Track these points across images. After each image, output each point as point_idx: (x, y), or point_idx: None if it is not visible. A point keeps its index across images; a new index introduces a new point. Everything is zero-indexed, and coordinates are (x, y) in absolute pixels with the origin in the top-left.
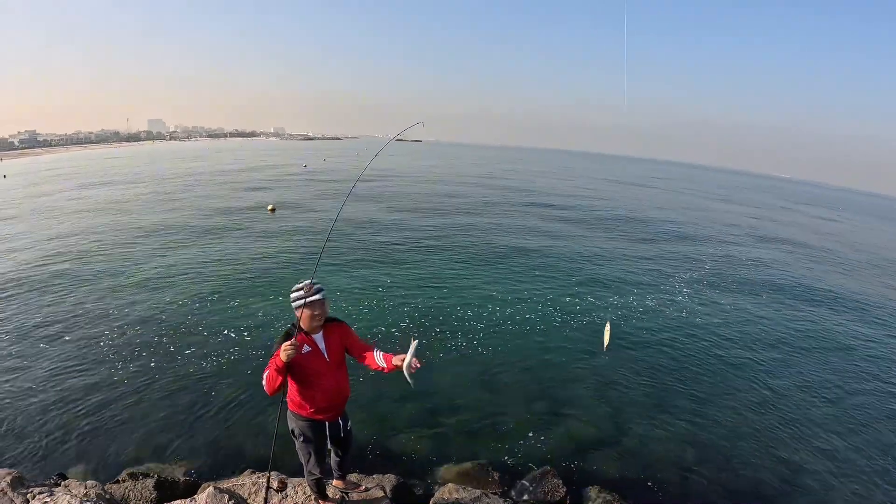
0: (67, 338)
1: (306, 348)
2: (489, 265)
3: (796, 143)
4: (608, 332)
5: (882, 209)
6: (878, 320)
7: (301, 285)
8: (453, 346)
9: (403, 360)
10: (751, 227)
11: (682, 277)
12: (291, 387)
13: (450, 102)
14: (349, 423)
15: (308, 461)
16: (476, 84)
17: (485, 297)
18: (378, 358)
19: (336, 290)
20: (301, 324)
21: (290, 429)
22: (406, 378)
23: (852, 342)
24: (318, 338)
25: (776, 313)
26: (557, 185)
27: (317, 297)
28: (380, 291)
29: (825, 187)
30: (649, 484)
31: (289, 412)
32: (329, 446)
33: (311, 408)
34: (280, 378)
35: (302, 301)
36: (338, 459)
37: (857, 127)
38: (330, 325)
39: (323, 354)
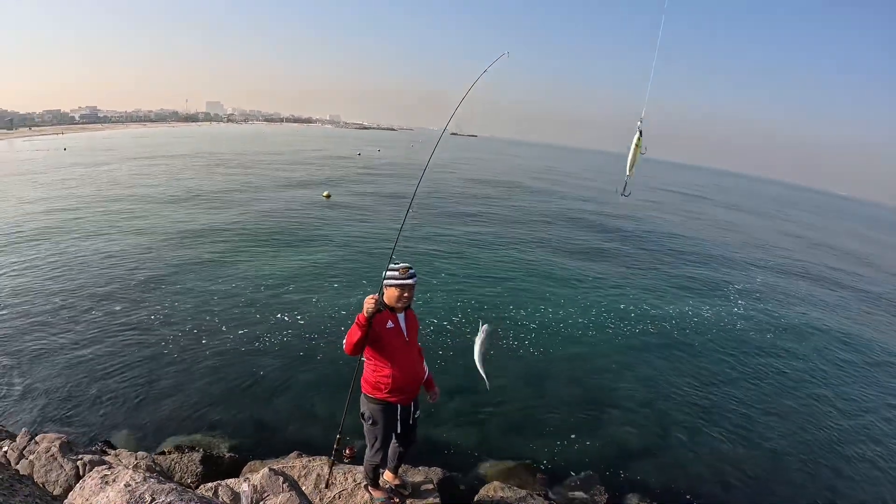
0: (118, 307)
1: (390, 324)
2: (544, 265)
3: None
4: (480, 340)
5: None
6: None
7: (399, 266)
8: (504, 343)
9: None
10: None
11: (737, 287)
12: (368, 367)
13: (507, 100)
14: (418, 412)
15: (373, 445)
16: (536, 82)
17: (539, 297)
18: (423, 365)
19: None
20: (386, 300)
21: (360, 412)
22: (480, 373)
23: None
24: (401, 317)
25: (845, 334)
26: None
27: (411, 280)
28: (435, 284)
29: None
30: (689, 497)
31: (362, 396)
32: (398, 431)
33: (386, 388)
34: (360, 334)
35: (398, 281)
36: (399, 449)
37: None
38: (409, 310)
39: (403, 333)
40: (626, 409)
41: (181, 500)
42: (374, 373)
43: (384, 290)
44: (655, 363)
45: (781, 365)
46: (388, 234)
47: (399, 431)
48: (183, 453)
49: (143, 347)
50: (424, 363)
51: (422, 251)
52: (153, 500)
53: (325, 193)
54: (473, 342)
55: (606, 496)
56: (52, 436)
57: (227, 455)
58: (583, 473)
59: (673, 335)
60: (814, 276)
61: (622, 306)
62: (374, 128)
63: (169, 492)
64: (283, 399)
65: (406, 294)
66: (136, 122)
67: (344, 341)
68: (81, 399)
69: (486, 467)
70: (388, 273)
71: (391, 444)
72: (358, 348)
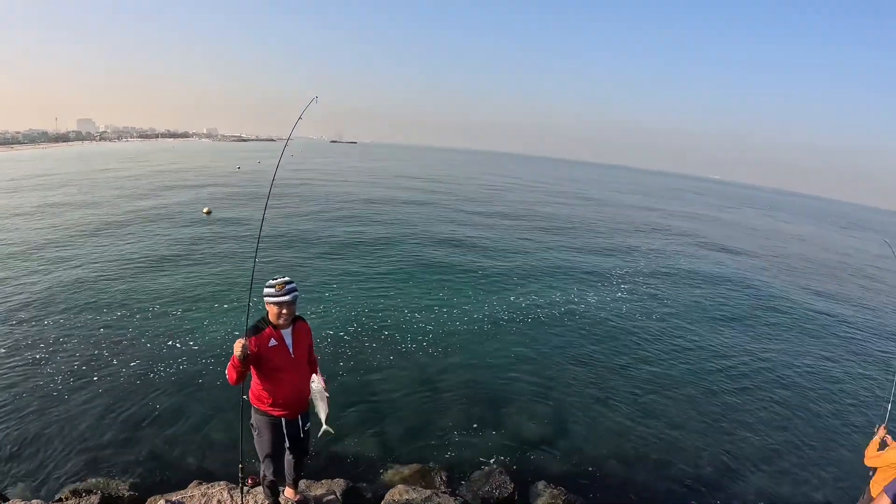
0: (2, 351)
1: (273, 342)
2: (434, 269)
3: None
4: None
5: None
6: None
7: (276, 282)
8: (397, 349)
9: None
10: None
11: (619, 273)
12: (254, 379)
13: (385, 104)
14: (308, 424)
15: (263, 459)
16: (409, 86)
17: (431, 297)
18: (315, 378)
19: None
20: (269, 318)
21: (249, 423)
22: (325, 426)
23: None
24: (287, 333)
25: (713, 302)
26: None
27: (287, 297)
28: (326, 294)
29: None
30: (594, 476)
31: (251, 407)
32: (287, 446)
33: (269, 402)
34: (236, 374)
35: (274, 298)
36: (293, 461)
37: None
38: (298, 322)
39: (288, 349)
40: (524, 399)
41: None
42: (258, 386)
43: (266, 308)
44: (548, 352)
45: (668, 341)
46: (273, 245)
47: (288, 445)
48: (80, 497)
49: (27, 391)
50: (316, 374)
51: (307, 258)
52: None
53: (205, 210)
54: (314, 399)
55: (512, 486)
56: None
57: (128, 494)
58: (486, 468)
59: (563, 322)
60: (687, 255)
61: (512, 298)
62: (253, 139)
63: None
64: (182, 429)
65: (285, 311)
66: (3, 144)
67: (226, 374)
68: None
69: (390, 474)
70: (266, 290)
71: (286, 459)
72: (240, 381)
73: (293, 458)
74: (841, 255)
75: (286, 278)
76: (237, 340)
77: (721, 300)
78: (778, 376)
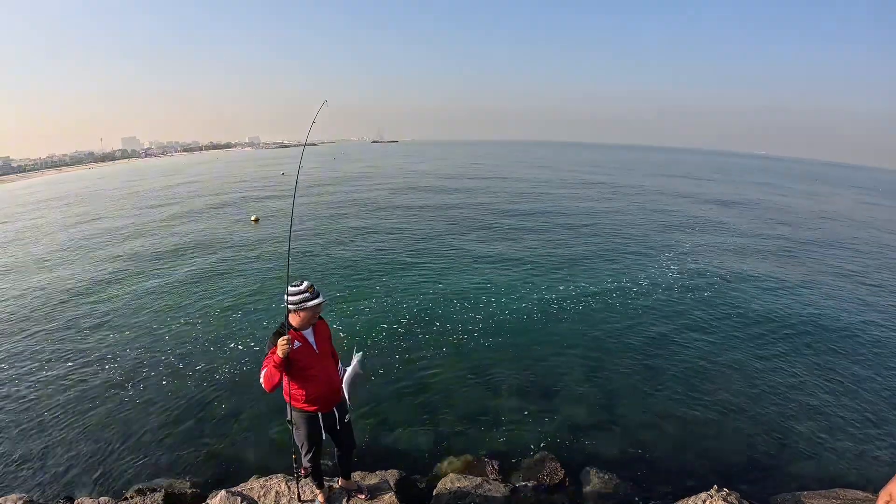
0: (70, 363)
1: (297, 344)
2: (482, 259)
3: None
4: (352, 368)
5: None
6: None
7: (302, 287)
8: (448, 340)
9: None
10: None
11: (667, 254)
12: (285, 380)
13: (417, 100)
14: (347, 416)
15: (303, 450)
16: (443, 81)
17: (482, 289)
18: (340, 370)
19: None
20: (292, 322)
21: (287, 419)
22: (344, 394)
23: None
24: (308, 332)
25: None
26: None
27: (318, 300)
28: (377, 289)
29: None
30: (644, 462)
31: (287, 403)
32: (325, 437)
33: (303, 399)
34: (279, 374)
35: (304, 303)
36: (339, 454)
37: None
38: (317, 320)
39: (313, 347)
40: (574, 385)
41: None
42: (290, 385)
43: (291, 314)
44: (597, 337)
45: (720, 323)
46: (320, 249)
47: (325, 438)
48: (145, 496)
49: (97, 398)
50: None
51: (357, 254)
52: None
53: (252, 217)
54: (345, 369)
55: (563, 472)
56: (13, 496)
57: (190, 491)
58: (538, 455)
59: (614, 307)
60: (741, 234)
61: (562, 287)
62: (294, 145)
63: None
64: (241, 427)
65: (316, 313)
66: (51, 167)
67: (261, 381)
68: (39, 457)
69: (442, 464)
70: (294, 298)
71: (335, 452)
72: (278, 385)
73: (338, 450)
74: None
75: (308, 282)
76: (279, 341)
77: (781, 277)
78: (843, 352)
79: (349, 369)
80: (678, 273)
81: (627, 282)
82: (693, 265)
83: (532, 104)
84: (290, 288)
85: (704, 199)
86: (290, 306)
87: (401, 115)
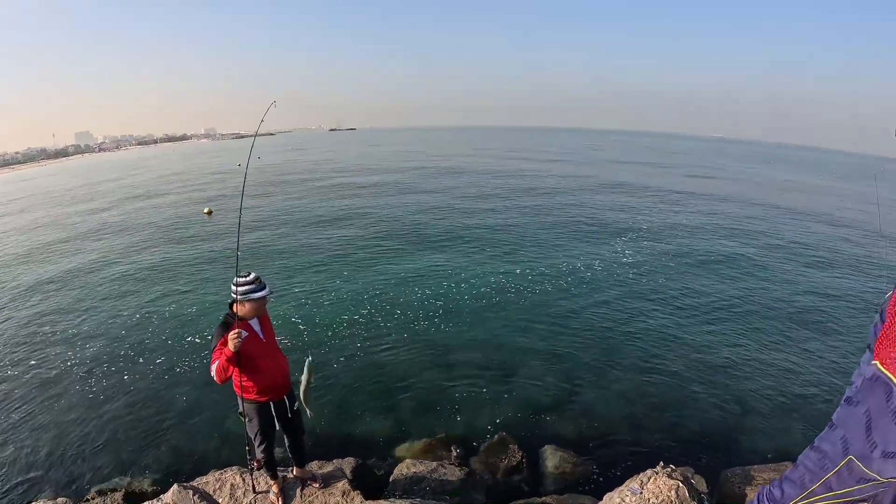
0: (23, 361)
1: (243, 334)
2: (442, 245)
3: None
4: (305, 375)
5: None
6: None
7: (250, 278)
8: (409, 327)
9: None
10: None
11: (624, 241)
12: (235, 373)
13: (378, 91)
14: (296, 404)
15: (257, 442)
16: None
17: (438, 276)
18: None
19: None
20: (238, 312)
21: (238, 411)
22: (302, 403)
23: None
24: (254, 322)
25: (718, 268)
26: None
27: (264, 292)
28: (336, 281)
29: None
30: (603, 439)
31: (238, 396)
32: (278, 428)
33: (254, 390)
34: (231, 367)
35: (250, 293)
36: (292, 443)
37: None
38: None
39: (259, 336)
40: (533, 368)
41: None
42: (240, 378)
43: (237, 304)
44: (556, 319)
45: (674, 303)
46: (276, 241)
47: (278, 427)
48: (106, 496)
49: (50, 400)
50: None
51: (317, 243)
52: None
53: (205, 210)
54: (299, 378)
55: (521, 452)
56: None
57: (150, 489)
58: (496, 436)
59: (570, 290)
60: (690, 211)
61: (518, 271)
62: (250, 135)
63: None
64: (201, 422)
65: (263, 304)
66: (3, 165)
67: (212, 374)
68: None
69: (401, 449)
70: (242, 288)
71: (286, 442)
72: (230, 377)
73: (289, 439)
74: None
75: (255, 274)
76: (230, 335)
77: (731, 255)
78: (797, 328)
79: (303, 378)
80: (633, 255)
81: (581, 266)
82: (648, 246)
83: (477, 90)
84: (237, 279)
85: (664, 180)
86: (237, 297)
87: (357, 103)
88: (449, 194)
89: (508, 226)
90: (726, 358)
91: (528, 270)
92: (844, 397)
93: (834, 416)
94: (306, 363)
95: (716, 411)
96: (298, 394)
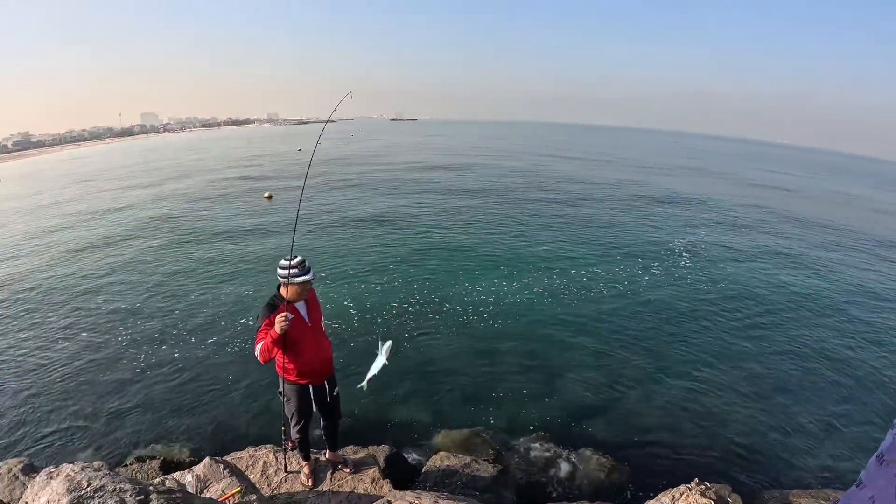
0: (81, 331)
1: (290, 317)
2: (497, 243)
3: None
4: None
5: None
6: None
7: (294, 262)
8: (458, 321)
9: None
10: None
11: (681, 244)
12: (278, 354)
13: (438, 82)
14: (336, 389)
15: (293, 422)
16: (462, 63)
17: (490, 272)
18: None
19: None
20: (283, 294)
21: (278, 391)
22: (366, 380)
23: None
24: (300, 305)
25: (790, 279)
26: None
27: (307, 277)
28: (390, 267)
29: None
30: (641, 448)
31: (279, 376)
32: (315, 410)
33: (295, 372)
34: (276, 349)
35: (296, 277)
36: (327, 426)
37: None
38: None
39: (305, 320)
40: (578, 370)
41: (113, 482)
42: (283, 359)
43: (282, 287)
44: (607, 323)
45: (731, 315)
46: (332, 227)
47: (315, 410)
48: (143, 462)
49: (101, 364)
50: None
51: (369, 232)
52: (89, 484)
53: (266, 194)
54: (377, 355)
55: (557, 453)
56: (13, 460)
57: (188, 459)
58: (535, 434)
59: (626, 294)
60: (752, 227)
61: (573, 271)
62: (313, 121)
63: (103, 476)
64: (242, 400)
65: (307, 287)
66: (70, 143)
67: (256, 354)
68: (44, 425)
69: (438, 440)
70: (286, 271)
71: (322, 425)
72: (271, 359)
73: (326, 422)
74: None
75: (300, 258)
76: (278, 317)
77: (798, 277)
78: (850, 352)
79: (381, 359)
80: (691, 262)
81: (639, 269)
82: (707, 255)
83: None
84: (282, 261)
85: (731, 185)
86: (280, 279)
87: (417, 94)
88: (516, 194)
89: (565, 225)
90: (780, 375)
91: (583, 271)
92: (876, 454)
93: (862, 474)
94: (387, 344)
95: (761, 429)
96: (371, 368)
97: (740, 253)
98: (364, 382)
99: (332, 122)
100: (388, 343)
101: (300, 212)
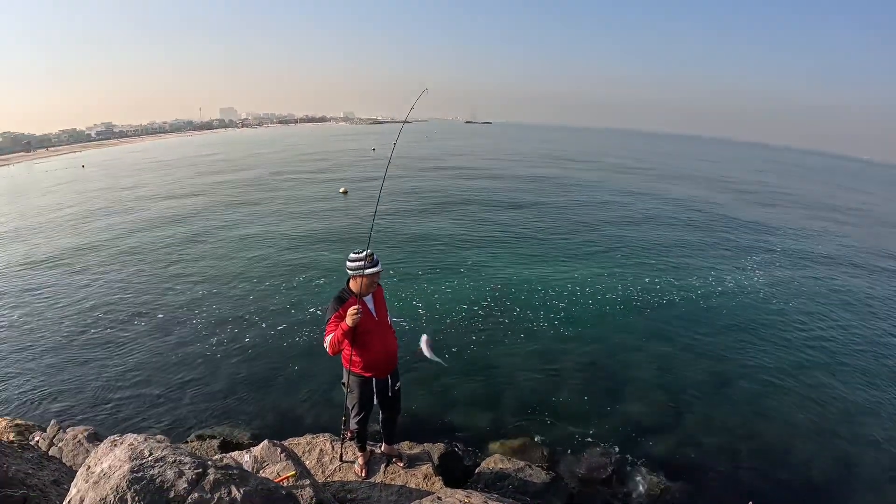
0: (160, 315)
1: (360, 309)
2: (574, 249)
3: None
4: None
5: None
6: None
7: (362, 255)
8: (526, 326)
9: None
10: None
11: (756, 261)
12: (345, 346)
13: (510, 84)
14: (398, 384)
15: (353, 413)
16: (532, 64)
17: (563, 279)
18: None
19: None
20: (352, 288)
21: (342, 381)
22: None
23: None
24: (368, 299)
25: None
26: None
27: (375, 269)
28: (461, 269)
29: None
30: (697, 469)
31: (345, 368)
32: (375, 403)
33: (361, 364)
34: (345, 341)
35: (363, 270)
36: (386, 419)
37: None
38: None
39: (372, 314)
40: (642, 384)
41: (173, 454)
42: (350, 351)
43: (351, 281)
44: (676, 337)
45: (802, 336)
46: (405, 224)
47: (377, 402)
48: (204, 441)
49: (176, 343)
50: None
51: (443, 232)
52: (151, 454)
53: (342, 189)
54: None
55: (611, 467)
56: (80, 428)
57: (247, 441)
58: (590, 447)
59: (698, 307)
60: (832, 242)
61: (647, 280)
62: (388, 122)
63: (164, 448)
64: (306, 388)
65: (375, 280)
66: (151, 134)
67: (325, 345)
68: (113, 398)
69: (493, 444)
70: (354, 264)
71: (380, 418)
72: (340, 351)
73: (385, 415)
74: None
75: (369, 250)
76: (350, 310)
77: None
78: None
79: (426, 351)
80: (764, 278)
81: (713, 281)
82: (781, 271)
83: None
84: (351, 254)
85: (804, 200)
86: (349, 272)
87: (491, 97)
88: (590, 205)
89: (641, 233)
90: (850, 408)
91: (656, 282)
92: None
93: None
94: (423, 339)
95: (825, 462)
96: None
97: (820, 275)
98: (440, 360)
99: (408, 122)
100: (424, 337)
101: (378, 206)
